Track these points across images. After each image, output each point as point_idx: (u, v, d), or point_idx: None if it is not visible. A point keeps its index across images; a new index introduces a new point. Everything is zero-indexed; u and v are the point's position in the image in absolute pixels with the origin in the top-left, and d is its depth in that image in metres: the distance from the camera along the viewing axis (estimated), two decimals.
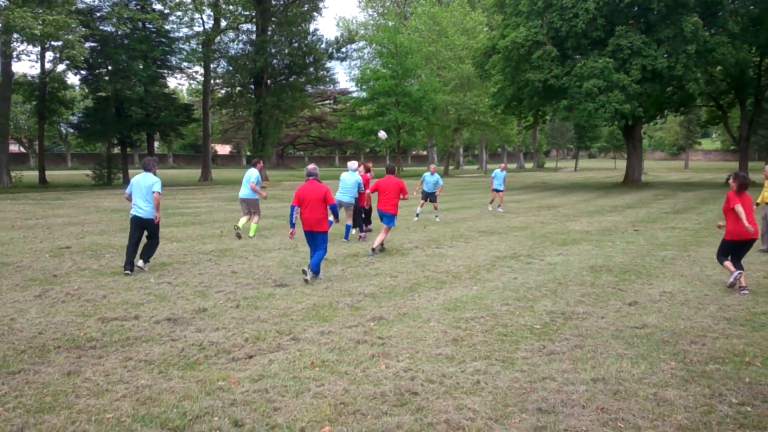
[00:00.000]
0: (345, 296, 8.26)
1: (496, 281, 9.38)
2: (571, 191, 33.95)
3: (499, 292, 8.60)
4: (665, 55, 31.66)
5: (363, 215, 14.70)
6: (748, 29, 34.30)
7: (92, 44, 35.86)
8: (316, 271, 9.37)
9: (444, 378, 5.25)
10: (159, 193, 9.92)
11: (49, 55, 36.58)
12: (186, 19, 44.03)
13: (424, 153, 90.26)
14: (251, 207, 14.07)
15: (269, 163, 71.81)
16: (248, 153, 77.03)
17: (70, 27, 29.45)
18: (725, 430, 4.34)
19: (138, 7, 36.70)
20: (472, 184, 41.39)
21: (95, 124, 38.19)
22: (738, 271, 8.73)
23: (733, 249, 8.88)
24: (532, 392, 4.95)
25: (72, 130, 49.22)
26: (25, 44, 32.80)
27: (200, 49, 43.97)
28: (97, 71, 37.57)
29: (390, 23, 58.67)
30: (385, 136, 19.41)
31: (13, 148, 76.31)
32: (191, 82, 50.86)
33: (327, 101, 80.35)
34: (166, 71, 41.99)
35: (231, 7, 46.55)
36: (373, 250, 11.85)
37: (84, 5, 35.55)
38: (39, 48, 34.96)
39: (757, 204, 12.62)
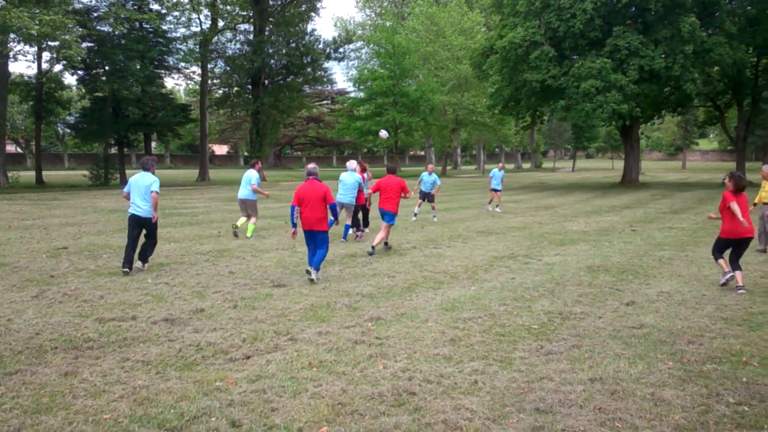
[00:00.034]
0: (343, 296, 8.26)
1: (493, 281, 9.38)
2: (569, 191, 33.97)
3: (496, 292, 8.61)
4: (663, 56, 31.70)
5: (361, 215, 14.71)
6: (745, 30, 34.35)
7: (89, 44, 35.77)
8: (316, 268, 9.39)
9: (442, 378, 5.25)
10: (157, 192, 9.95)
11: (45, 55, 36.54)
12: (183, 19, 44.05)
13: (422, 153, 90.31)
14: (249, 208, 14.10)
15: (267, 164, 71.84)
16: (246, 153, 77.01)
17: (67, 27, 29.37)
18: (722, 430, 4.34)
19: (135, 7, 36.65)
20: (470, 185, 41.42)
21: (92, 125, 38.14)
22: (730, 273, 8.87)
23: (728, 246, 9.00)
24: (529, 392, 4.95)
25: (69, 131, 49.14)
26: (22, 44, 32.78)
27: (197, 50, 43.90)
28: (94, 71, 37.51)
29: (387, 23, 58.71)
30: (386, 135, 19.46)
31: (10, 148, 76.15)
32: (188, 82, 50.74)
33: (324, 101, 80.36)
34: (163, 71, 41.95)
35: (228, 7, 46.53)
36: (373, 248, 11.87)
37: (81, 5, 35.51)
38: (36, 48, 34.91)
39: (755, 204, 12.66)
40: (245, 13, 46.59)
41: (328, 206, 9.35)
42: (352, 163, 14.27)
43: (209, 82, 47.59)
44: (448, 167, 65.45)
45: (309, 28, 52.06)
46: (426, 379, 5.21)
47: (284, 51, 46.29)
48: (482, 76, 41.64)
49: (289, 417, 4.49)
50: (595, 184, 41.01)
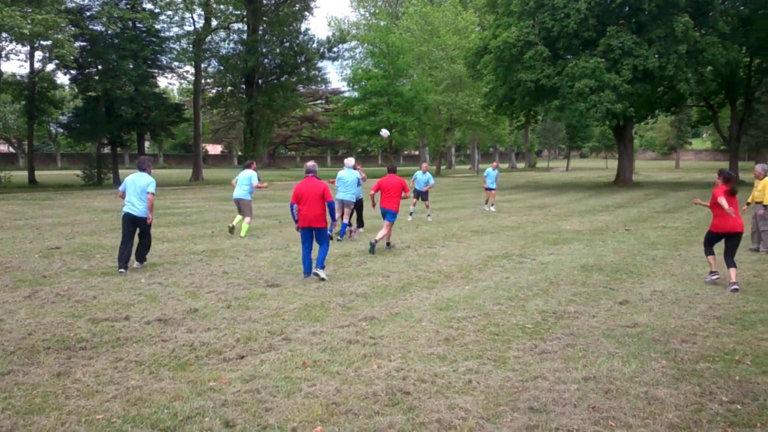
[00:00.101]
0: (337, 296, 8.25)
1: (488, 281, 9.39)
2: (563, 191, 34.04)
3: (491, 291, 8.61)
4: (656, 55, 31.80)
5: (355, 216, 14.72)
6: (738, 29, 34.51)
7: (82, 43, 35.65)
8: (321, 266, 9.49)
9: (436, 377, 5.25)
10: (153, 193, 10.00)
11: (38, 54, 36.39)
12: (176, 18, 43.89)
13: (416, 153, 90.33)
14: (244, 208, 14.13)
15: (261, 163, 71.64)
16: (239, 153, 76.94)
17: (60, 26, 29.28)
18: (715, 428, 4.35)
19: (128, 6, 36.52)
20: (465, 184, 41.46)
21: (85, 124, 37.99)
22: (716, 276, 9.21)
23: (717, 239, 9.26)
24: (523, 391, 4.96)
25: (62, 130, 48.92)
26: (14, 43, 32.63)
27: (191, 49, 43.77)
28: (86, 71, 37.37)
29: (382, 23, 58.74)
30: (387, 133, 19.54)
31: (2, 148, 75.98)
32: (182, 81, 50.73)
33: (319, 101, 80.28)
34: (156, 71, 41.81)
35: (222, 6, 46.36)
36: (376, 241, 11.99)
37: (73, 4, 35.36)
38: (28, 47, 34.76)
39: (748, 203, 12.73)
40: (239, 12, 46.47)
41: (326, 204, 9.39)
42: (350, 161, 14.30)
43: (203, 81, 47.44)
44: (443, 167, 65.54)
45: (303, 27, 51.79)
46: (420, 379, 5.21)
47: (278, 50, 46.18)
48: (476, 76, 41.68)
49: (283, 417, 4.48)
50: (588, 184, 41.11)
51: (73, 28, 31.93)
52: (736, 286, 8.68)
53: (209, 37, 46.05)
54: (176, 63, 43.84)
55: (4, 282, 9.00)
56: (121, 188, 10.18)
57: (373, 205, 13.85)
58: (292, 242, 13.16)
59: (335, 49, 51.54)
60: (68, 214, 19.07)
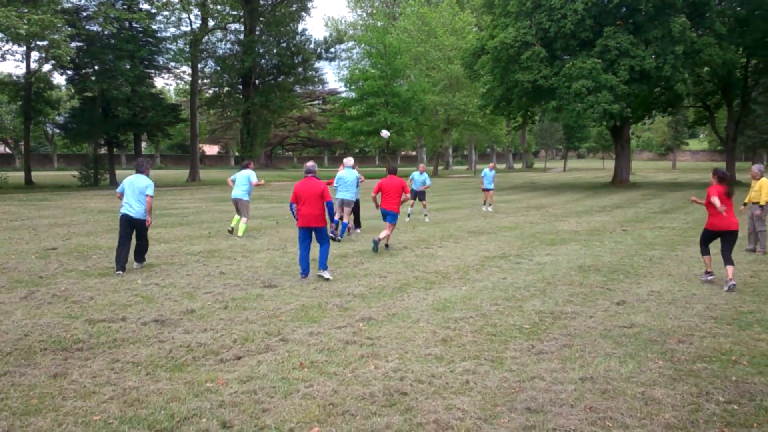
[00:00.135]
0: (334, 297, 8.24)
1: (485, 281, 9.39)
2: (560, 191, 34.08)
3: (488, 292, 8.61)
4: (653, 56, 31.85)
5: (352, 216, 14.74)
6: (734, 30, 34.58)
7: (78, 44, 35.57)
8: (324, 267, 9.57)
9: (433, 378, 5.25)
10: (151, 196, 10.05)
11: (34, 54, 36.36)
12: (173, 18, 43.83)
13: (414, 153, 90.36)
14: (242, 208, 14.17)
15: (258, 164, 71.67)
16: (236, 153, 76.89)
17: (56, 26, 29.19)
18: (712, 429, 4.36)
19: (125, 6, 36.48)
20: (462, 185, 41.49)
21: (81, 125, 37.92)
22: (711, 276, 9.31)
23: (713, 237, 9.35)
24: (521, 392, 4.96)
25: (58, 131, 48.89)
26: (10, 44, 32.55)
27: (188, 49, 43.72)
28: (83, 71, 37.31)
29: (379, 23, 58.76)
30: (388, 134, 19.67)
31: None
32: (179, 82, 50.57)
33: (316, 101, 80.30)
34: (153, 71, 41.79)
35: (219, 6, 46.37)
36: (379, 239, 12.12)
37: (70, 5, 35.31)
38: (24, 47, 34.68)
39: (745, 204, 12.76)
40: (236, 12, 46.47)
41: (325, 204, 9.44)
42: (349, 160, 14.36)
43: (199, 81, 47.42)
44: (440, 167, 65.54)
45: (300, 27, 52.16)
46: (417, 379, 5.21)
47: (275, 51, 46.21)
48: (473, 77, 41.71)
49: (280, 418, 4.47)
50: (586, 184, 41.16)
51: (69, 29, 31.85)
52: (733, 282, 8.74)
53: (206, 37, 46.03)
54: (173, 63, 43.84)
55: (1, 283, 8.98)
56: (119, 189, 10.22)
57: (377, 207, 13.93)
58: (289, 243, 13.16)
59: (332, 50, 51.61)
60: (65, 215, 19.04)
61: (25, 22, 27.22)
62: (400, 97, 47.47)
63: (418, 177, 18.19)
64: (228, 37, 48.23)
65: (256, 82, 46.21)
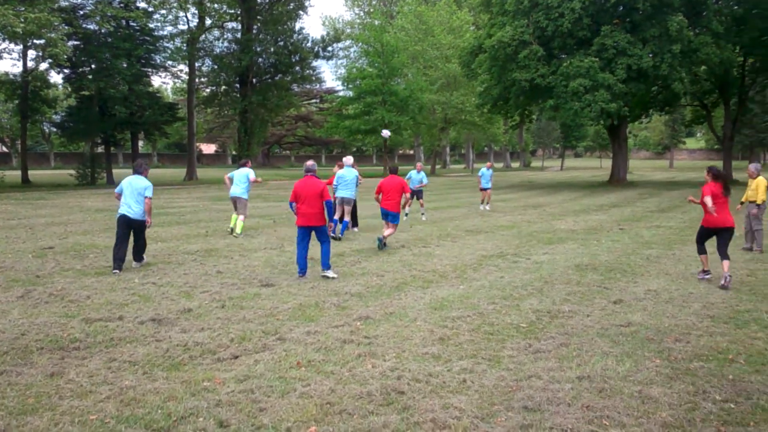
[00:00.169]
0: (331, 296, 8.24)
1: (482, 280, 9.40)
2: (557, 190, 34.11)
3: (485, 291, 8.62)
4: (650, 55, 31.89)
5: (352, 215, 14.82)
6: (731, 29, 34.62)
7: (75, 42, 35.51)
8: (327, 267, 9.62)
9: (430, 377, 5.25)
10: (150, 198, 10.11)
11: (31, 53, 36.18)
12: (170, 17, 43.70)
13: (411, 152, 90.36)
14: (240, 206, 14.20)
15: (255, 163, 71.49)
16: (234, 152, 76.80)
17: (53, 25, 29.12)
18: (709, 427, 4.36)
19: (122, 5, 36.41)
20: (459, 184, 41.50)
21: (78, 123, 37.84)
22: (708, 275, 9.37)
23: (710, 235, 9.42)
24: (518, 390, 4.96)
25: (55, 130, 48.73)
26: (7, 42, 32.41)
27: (185, 48, 43.64)
28: (80, 70, 37.24)
29: (376, 22, 58.60)
30: (389, 134, 19.87)
31: None
32: (176, 80, 50.58)
33: (313, 100, 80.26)
34: (150, 70, 41.71)
35: (216, 5, 46.27)
36: (384, 237, 12.42)
37: (67, 3, 35.19)
38: (21, 46, 34.55)
39: (742, 203, 12.78)
40: (233, 11, 46.39)
41: (324, 203, 9.47)
42: (349, 159, 14.44)
43: (197, 80, 47.33)
44: (437, 166, 65.56)
45: (297, 26, 51.98)
46: (415, 378, 5.21)
47: (272, 49, 46.17)
48: (471, 75, 41.71)
49: (277, 417, 4.47)
50: (583, 183, 41.20)
51: (66, 27, 31.79)
52: (728, 275, 8.88)
53: (203, 36, 45.96)
54: (170, 62, 43.75)
55: None
56: (117, 190, 10.27)
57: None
58: (287, 242, 13.15)
59: (330, 48, 51.62)
60: (61, 214, 19.01)
61: (22, 20, 27.14)
62: (397, 96, 47.46)
63: (416, 176, 18.23)
64: (225, 36, 48.19)
65: (254, 80, 46.16)
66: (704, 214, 9.42)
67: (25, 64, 36.47)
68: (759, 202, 12.15)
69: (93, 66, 36.54)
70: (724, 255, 9.14)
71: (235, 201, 14.30)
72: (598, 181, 41.93)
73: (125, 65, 35.96)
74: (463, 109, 52.48)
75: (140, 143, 56.87)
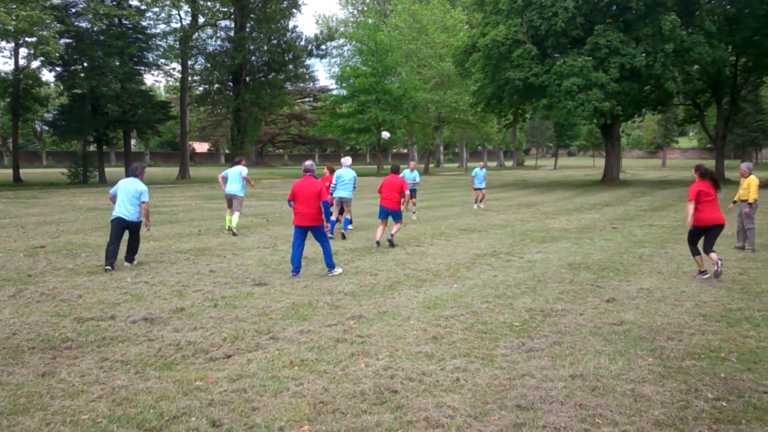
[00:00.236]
0: (325, 295, 8.23)
1: (476, 279, 9.40)
2: (551, 189, 34.18)
3: (479, 289, 8.62)
4: (643, 54, 32.00)
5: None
6: (724, 28, 34.79)
7: (67, 40, 35.32)
8: (331, 266, 9.69)
9: (424, 376, 5.25)
10: (147, 202, 10.20)
11: (23, 51, 36.04)
12: (163, 15, 43.55)
13: (405, 151, 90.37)
14: (236, 203, 14.33)
15: (249, 161, 71.40)
16: (227, 151, 76.63)
17: (45, 23, 28.97)
18: (701, 425, 4.38)
19: (114, 3, 36.23)
20: (453, 183, 41.52)
21: (71, 122, 37.64)
22: (706, 275, 9.38)
23: (701, 235, 9.48)
24: (511, 389, 4.96)
25: (47, 128, 48.48)
26: None
27: (177, 46, 43.48)
28: (72, 68, 37.04)
29: (370, 20, 58.66)
30: (388, 135, 20.10)
31: None
32: (168, 79, 50.31)
33: (306, 99, 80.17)
34: (142, 68, 41.51)
35: (209, 3, 46.15)
36: (392, 236, 12.73)
37: (59, 1, 34.95)
38: (12, 44, 34.39)
39: (734, 202, 12.83)
40: (226, 9, 46.27)
41: (321, 203, 9.52)
42: (347, 160, 14.59)
43: (189, 78, 47.19)
44: (431, 165, 65.59)
45: (290, 24, 51.81)
46: (408, 377, 5.20)
47: (265, 48, 46.07)
48: (465, 74, 41.75)
49: (270, 416, 4.46)
50: (576, 182, 41.30)
51: (58, 25, 31.62)
52: (719, 260, 9.22)
53: (196, 34, 45.81)
54: (163, 60, 43.57)
55: None
56: (112, 191, 10.31)
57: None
58: (280, 241, 13.14)
59: (323, 47, 51.54)
60: (53, 213, 18.91)
61: (14, 18, 26.98)
62: (391, 95, 47.49)
63: (409, 174, 18.29)
64: (218, 34, 48.09)
65: (247, 79, 46.06)
66: (695, 213, 9.43)
67: (16, 61, 36.30)
68: (751, 200, 12.20)
69: (85, 64, 36.35)
70: (710, 250, 9.34)
71: (231, 199, 14.36)
72: (591, 180, 42.04)
73: (118, 63, 35.78)
74: (457, 107, 52.53)
75: (133, 142, 56.64)
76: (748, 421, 4.46)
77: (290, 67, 48.60)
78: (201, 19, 46.29)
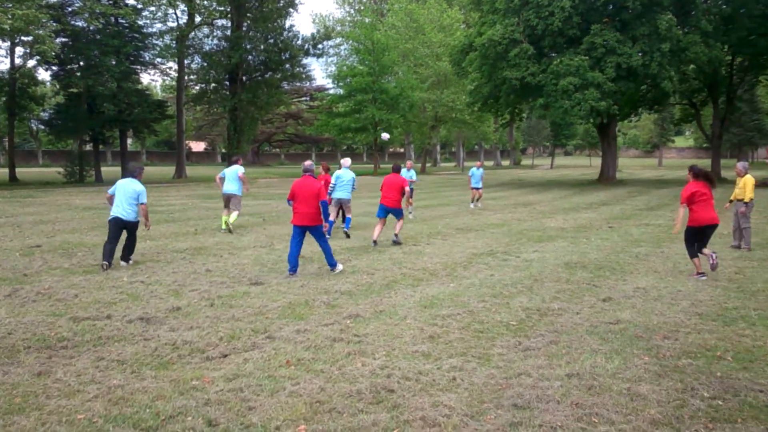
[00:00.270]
0: (321, 294, 8.22)
1: (472, 278, 9.40)
2: (547, 188, 34.21)
3: (475, 289, 8.62)
4: (640, 54, 32.03)
5: (341, 213, 14.92)
6: (720, 28, 34.83)
7: (63, 39, 35.23)
8: (333, 264, 9.78)
9: (420, 375, 5.25)
10: (145, 203, 10.28)
11: (19, 50, 35.92)
12: (159, 14, 43.47)
13: (402, 150, 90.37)
14: (234, 201, 14.42)
15: (245, 160, 71.09)
16: (223, 150, 76.49)
17: (41, 22, 28.88)
18: (697, 424, 4.38)
19: (110, 2, 36.14)
20: (450, 182, 41.53)
21: (67, 121, 37.53)
22: (704, 276, 9.37)
23: (697, 235, 9.51)
24: (507, 388, 4.97)
25: (43, 127, 48.34)
26: None
27: (174, 45, 43.42)
28: (68, 67, 36.94)
29: (367, 20, 58.62)
30: (388, 136, 20.26)
31: None
32: (165, 78, 50.25)
33: (303, 98, 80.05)
34: (139, 67, 41.38)
35: (205, 2, 46.07)
36: (396, 235, 12.85)
37: (55, 0, 34.92)
38: (8, 43, 34.31)
39: (731, 201, 12.86)
40: (222, 8, 46.19)
41: (319, 203, 9.56)
42: (347, 161, 14.73)
43: (186, 78, 47.10)
44: (428, 164, 65.60)
45: (287, 23, 51.70)
46: (404, 377, 5.20)
47: (262, 47, 46.04)
48: (461, 74, 41.75)
49: (266, 415, 4.45)
50: (573, 182, 41.34)
51: (54, 24, 31.54)
52: (713, 254, 9.36)
53: (192, 33, 45.73)
54: (159, 59, 43.50)
55: None
56: (110, 191, 10.36)
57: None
58: (276, 240, 13.13)
59: (320, 46, 51.59)
60: (49, 212, 18.87)
61: (9, 17, 26.89)
62: (388, 94, 47.47)
63: (405, 173, 18.28)
64: (215, 33, 48.00)
65: (243, 78, 46.02)
66: (690, 213, 9.50)
67: (12, 61, 36.21)
68: (747, 200, 12.24)
69: (81, 63, 36.26)
70: (702, 248, 9.48)
71: (229, 198, 14.45)
72: (587, 180, 42.08)
73: (114, 62, 35.69)
74: (454, 107, 52.53)
75: (129, 141, 56.51)
76: (743, 419, 4.47)
77: (287, 66, 48.58)
78: (197, 18, 46.20)
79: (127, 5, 36.78)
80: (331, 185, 13.96)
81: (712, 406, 4.68)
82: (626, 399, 4.77)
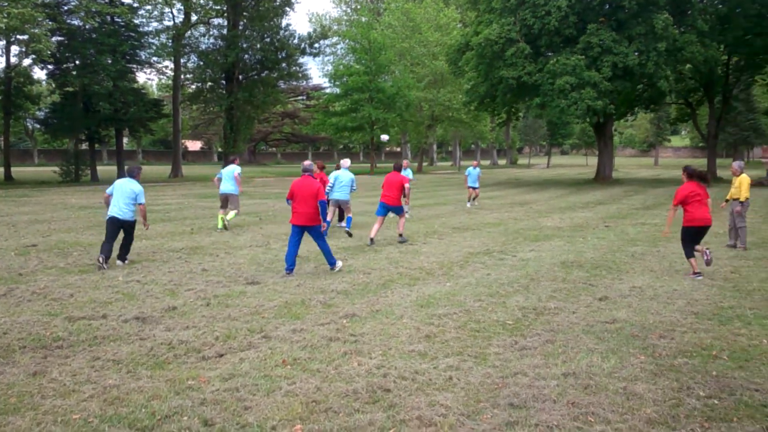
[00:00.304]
0: (317, 293, 8.22)
1: (469, 277, 9.41)
2: (544, 188, 34.24)
3: (471, 288, 8.63)
4: (636, 53, 32.08)
5: (337, 213, 15.03)
6: (716, 27, 34.89)
7: (59, 38, 35.11)
8: (333, 263, 9.81)
9: (416, 374, 5.24)
10: (144, 204, 10.38)
11: (14, 49, 35.89)
12: (156, 13, 43.39)
13: (398, 149, 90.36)
14: (231, 201, 14.48)
15: (242, 160, 70.97)
16: (219, 149, 76.37)
17: (37, 20, 28.79)
18: (693, 423, 4.39)
19: (106, 1, 36.06)
20: (446, 181, 41.53)
21: (62, 120, 37.46)
22: (700, 276, 9.37)
23: (695, 234, 9.58)
24: (503, 387, 4.97)
25: (38, 126, 48.23)
26: None
27: (170, 44, 43.32)
28: (64, 66, 36.84)
29: (363, 19, 58.55)
30: (387, 138, 20.38)
31: None
32: (161, 77, 50.12)
33: (300, 97, 79.96)
34: (135, 66, 41.29)
35: (201, 1, 45.98)
36: (400, 234, 13.13)
37: None
38: (4, 42, 34.22)
39: (726, 200, 12.89)
40: (219, 7, 46.08)
41: (318, 203, 9.53)
42: (346, 162, 14.83)
43: (182, 76, 46.99)
44: (424, 163, 65.62)
45: (284, 23, 51.66)
46: (401, 376, 5.20)
47: (258, 46, 45.93)
48: (458, 73, 41.73)
49: (262, 415, 4.45)
50: (569, 181, 41.39)
51: (50, 23, 31.42)
52: (708, 250, 9.47)
53: (189, 32, 45.63)
54: (155, 58, 43.40)
55: None
56: (108, 191, 10.40)
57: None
58: (273, 239, 13.11)
59: (316, 45, 51.44)
60: (45, 211, 18.81)
61: (5, 15, 26.81)
62: (384, 93, 47.44)
63: (402, 173, 18.25)
64: (211, 32, 47.87)
65: (240, 77, 45.92)
66: (685, 214, 9.54)
67: (8, 59, 36.11)
68: (742, 199, 12.26)
69: (77, 62, 36.15)
70: (696, 245, 9.59)
71: (227, 197, 14.54)
72: (584, 179, 42.14)
73: (110, 61, 35.59)
74: (450, 106, 52.55)
75: (125, 140, 56.33)
76: (739, 418, 4.48)
77: (283, 65, 48.48)
78: (194, 17, 46.13)
79: (123, 4, 36.73)
80: (328, 186, 13.95)
81: (708, 405, 4.69)
82: (622, 398, 4.77)
